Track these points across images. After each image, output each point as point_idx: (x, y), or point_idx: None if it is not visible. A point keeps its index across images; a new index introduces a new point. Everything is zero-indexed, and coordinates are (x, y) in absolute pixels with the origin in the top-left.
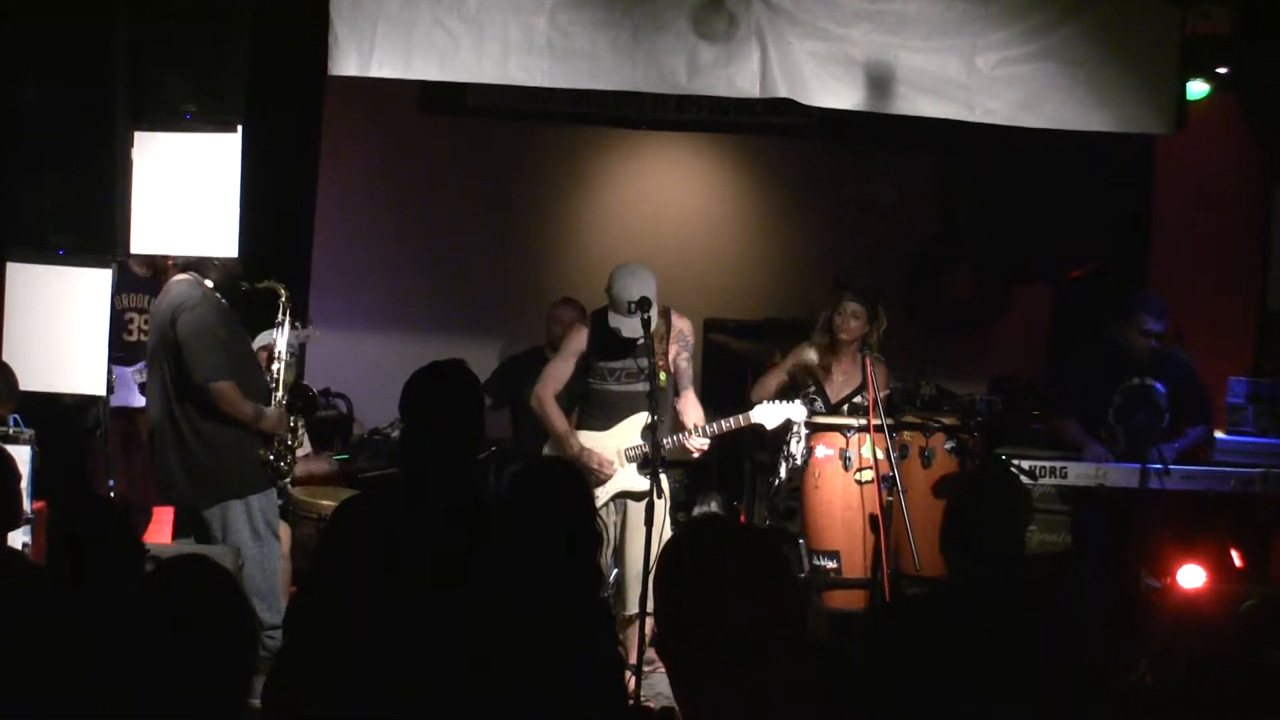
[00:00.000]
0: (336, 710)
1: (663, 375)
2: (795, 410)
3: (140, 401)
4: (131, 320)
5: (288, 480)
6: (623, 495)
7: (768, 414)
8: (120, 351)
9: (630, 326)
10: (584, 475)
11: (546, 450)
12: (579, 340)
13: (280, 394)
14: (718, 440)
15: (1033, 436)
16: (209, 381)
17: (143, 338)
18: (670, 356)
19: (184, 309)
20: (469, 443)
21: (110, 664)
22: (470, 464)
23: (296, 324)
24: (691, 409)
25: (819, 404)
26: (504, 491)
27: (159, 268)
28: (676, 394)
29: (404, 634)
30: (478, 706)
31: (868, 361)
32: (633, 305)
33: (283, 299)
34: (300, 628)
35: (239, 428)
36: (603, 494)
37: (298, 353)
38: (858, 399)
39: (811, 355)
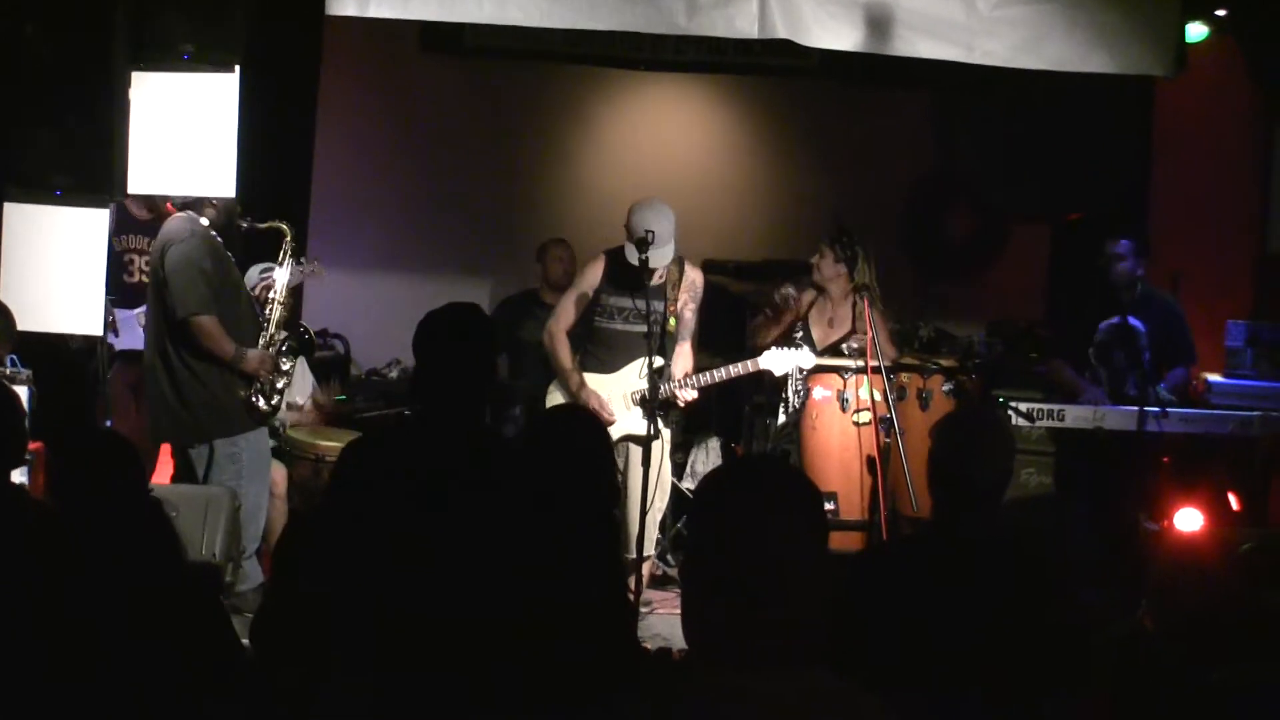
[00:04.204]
0: (326, 645)
1: (671, 320)
2: (804, 357)
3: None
4: (132, 262)
5: (280, 421)
6: (625, 439)
7: (776, 360)
8: (122, 294)
9: (642, 257)
10: (603, 425)
11: (553, 389)
12: (594, 275)
13: (272, 332)
14: (725, 385)
15: (1031, 379)
16: (190, 315)
17: (144, 279)
18: (679, 305)
19: (171, 244)
20: (482, 386)
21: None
22: (482, 406)
23: (301, 261)
24: (682, 359)
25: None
26: (521, 436)
27: (159, 210)
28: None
29: (413, 576)
30: (484, 649)
31: (865, 304)
32: (650, 235)
33: (287, 239)
34: (292, 565)
35: (226, 366)
36: None
37: (295, 293)
38: (842, 346)
39: (790, 289)
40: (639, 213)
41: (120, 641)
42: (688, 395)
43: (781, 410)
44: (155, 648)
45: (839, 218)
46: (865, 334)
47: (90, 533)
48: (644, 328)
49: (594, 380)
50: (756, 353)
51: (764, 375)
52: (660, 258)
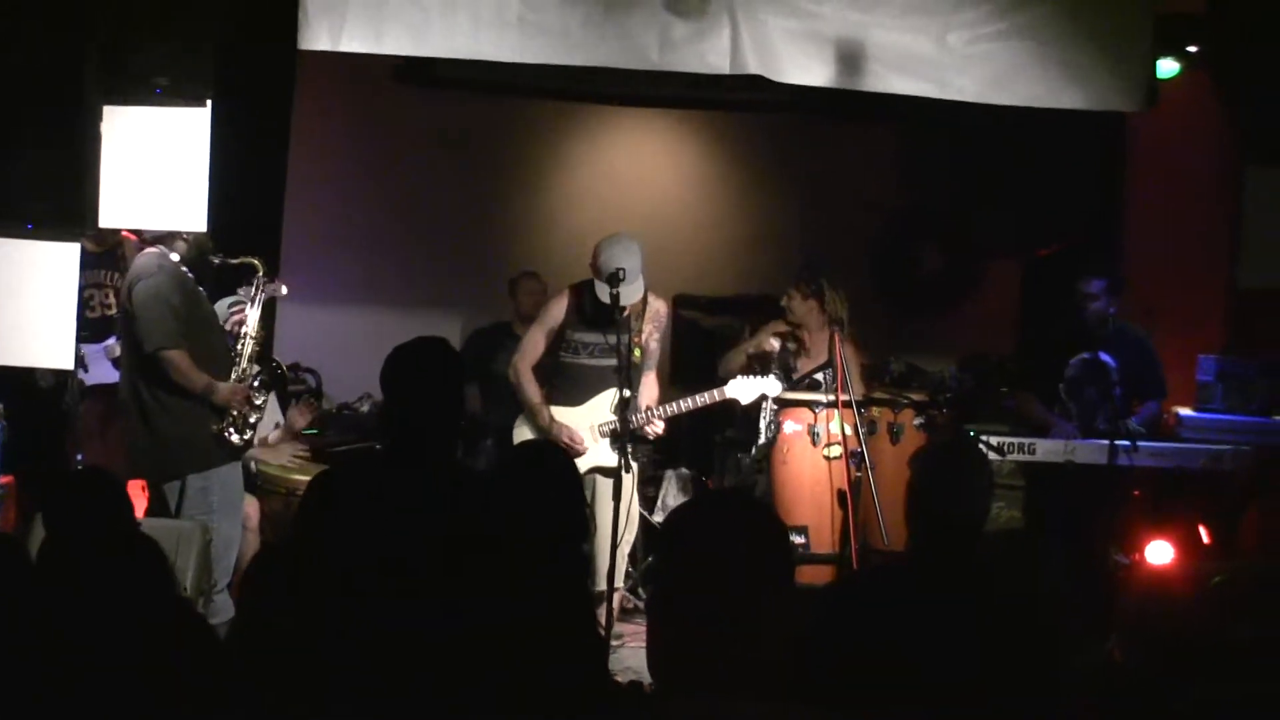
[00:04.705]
0: (293, 677)
1: (637, 352)
2: (770, 385)
3: (115, 377)
4: (91, 297)
5: (249, 455)
6: (593, 471)
7: (742, 389)
8: (85, 328)
9: (611, 295)
10: (572, 461)
11: (520, 423)
12: (557, 310)
13: (244, 367)
14: (692, 415)
15: (1002, 413)
16: (158, 350)
17: (105, 313)
18: (643, 336)
19: (139, 279)
20: (450, 419)
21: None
22: (452, 440)
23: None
24: (648, 389)
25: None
26: (490, 470)
27: (109, 242)
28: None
29: (380, 608)
30: (452, 682)
31: (837, 340)
32: (621, 272)
33: (259, 274)
34: (258, 597)
35: (197, 400)
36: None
37: (266, 327)
38: (819, 375)
39: (772, 342)
40: (608, 250)
41: (101, 675)
42: (655, 429)
43: (759, 441)
44: (138, 681)
45: (809, 254)
46: (839, 364)
47: (82, 568)
48: (610, 361)
49: (562, 414)
50: (722, 382)
51: (733, 406)
52: (631, 294)
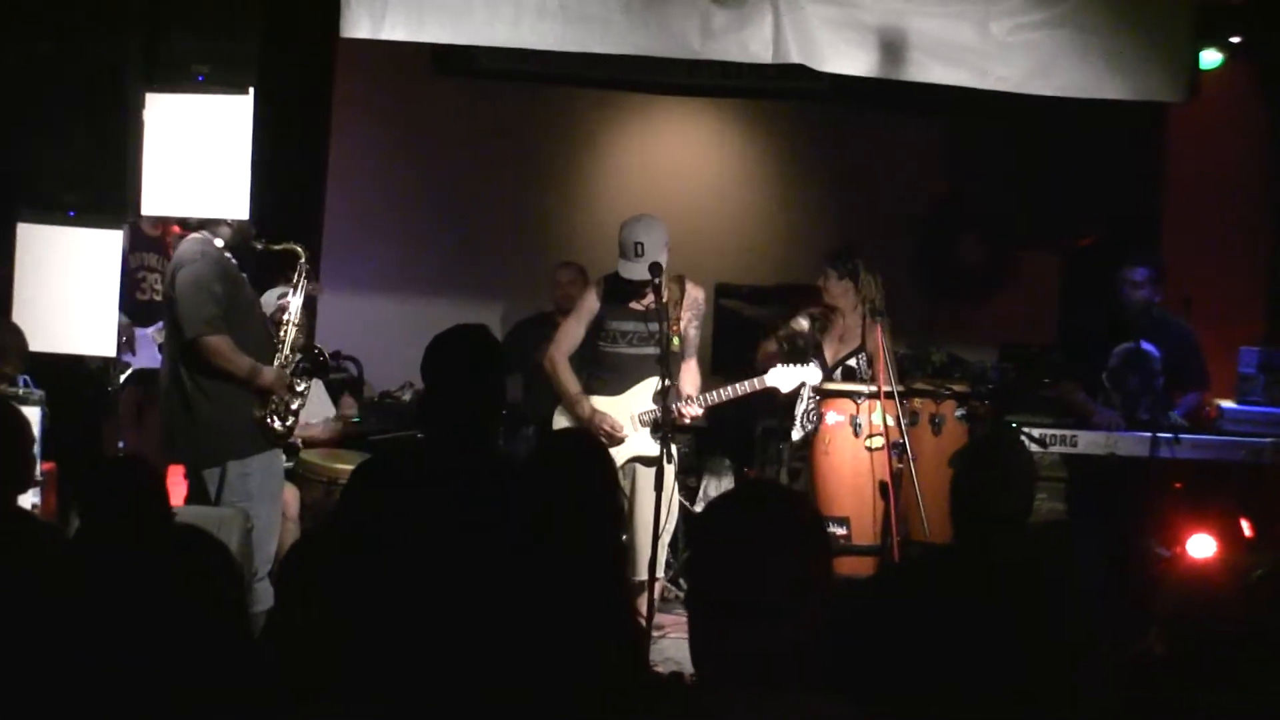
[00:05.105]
0: (332, 667)
1: (675, 340)
2: (810, 373)
3: (159, 362)
4: (144, 279)
5: (296, 442)
6: (633, 460)
7: (782, 377)
8: (135, 311)
9: (633, 269)
10: (607, 449)
11: (558, 414)
12: (591, 301)
13: (286, 354)
14: (732, 404)
15: (1044, 404)
16: (199, 336)
17: (154, 297)
18: (682, 324)
19: (182, 265)
20: (490, 408)
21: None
22: (493, 430)
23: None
24: (689, 376)
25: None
26: (526, 460)
27: (167, 226)
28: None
29: (417, 601)
30: (492, 681)
31: (878, 329)
32: (639, 246)
33: (302, 261)
34: (296, 585)
35: (239, 387)
36: (615, 459)
37: (308, 315)
38: (852, 362)
39: (803, 323)
40: (628, 227)
41: (141, 663)
42: (694, 411)
43: (795, 429)
44: (181, 667)
45: (850, 244)
46: (873, 352)
47: (110, 557)
48: (649, 350)
49: (602, 403)
50: (763, 370)
51: (774, 395)
52: (640, 270)
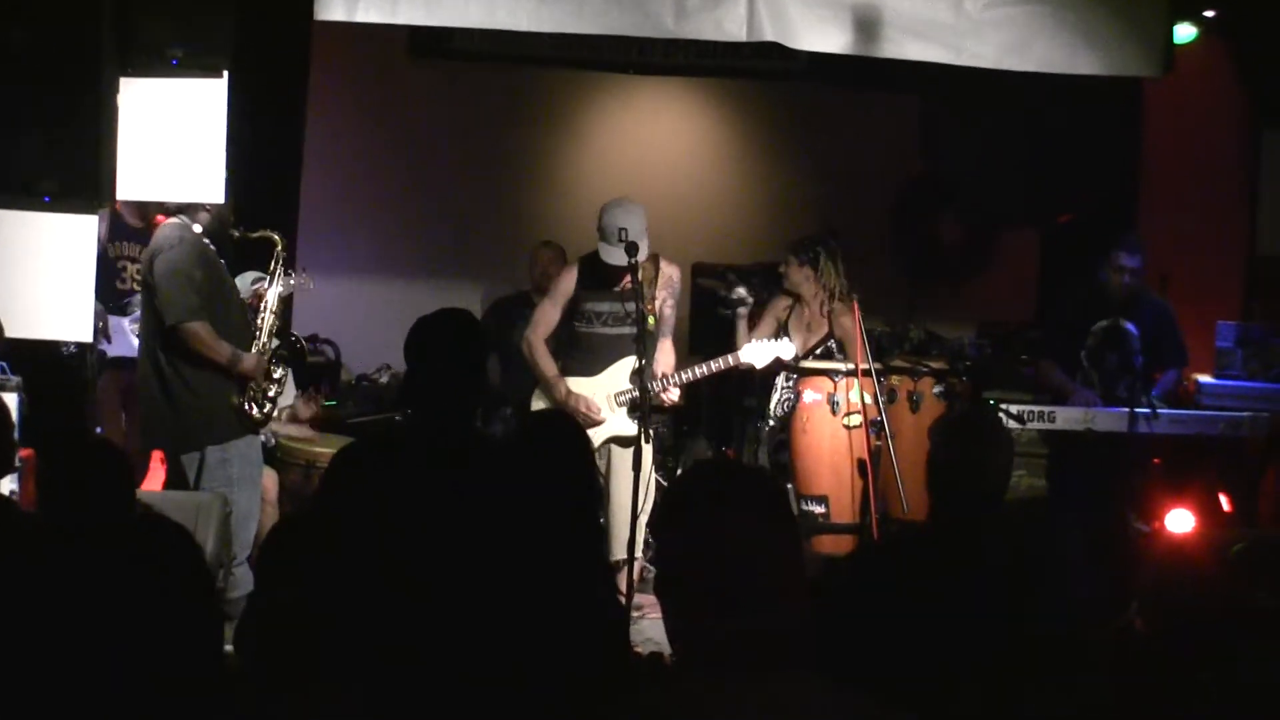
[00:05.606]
0: (311, 651)
1: (650, 319)
2: (784, 348)
3: (135, 351)
4: (125, 269)
5: (269, 427)
6: (610, 441)
7: (756, 353)
8: (115, 300)
9: (616, 255)
10: (585, 430)
11: (536, 396)
12: (567, 282)
13: (264, 341)
14: (709, 383)
15: (1021, 381)
16: (180, 323)
17: (135, 286)
18: (657, 303)
19: (160, 251)
20: (472, 391)
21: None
22: (474, 411)
23: (290, 272)
24: (664, 356)
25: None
26: (505, 441)
27: (150, 218)
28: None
29: (400, 583)
30: (476, 663)
31: (850, 309)
32: (623, 232)
33: (278, 249)
34: (276, 569)
35: (218, 373)
36: (593, 440)
37: (285, 301)
38: (820, 350)
39: (740, 291)
40: (610, 212)
41: (108, 651)
42: (671, 397)
43: (771, 408)
44: (146, 657)
45: (824, 231)
46: (841, 338)
47: (74, 542)
48: (625, 330)
49: (578, 384)
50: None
51: (751, 374)
52: (623, 256)
